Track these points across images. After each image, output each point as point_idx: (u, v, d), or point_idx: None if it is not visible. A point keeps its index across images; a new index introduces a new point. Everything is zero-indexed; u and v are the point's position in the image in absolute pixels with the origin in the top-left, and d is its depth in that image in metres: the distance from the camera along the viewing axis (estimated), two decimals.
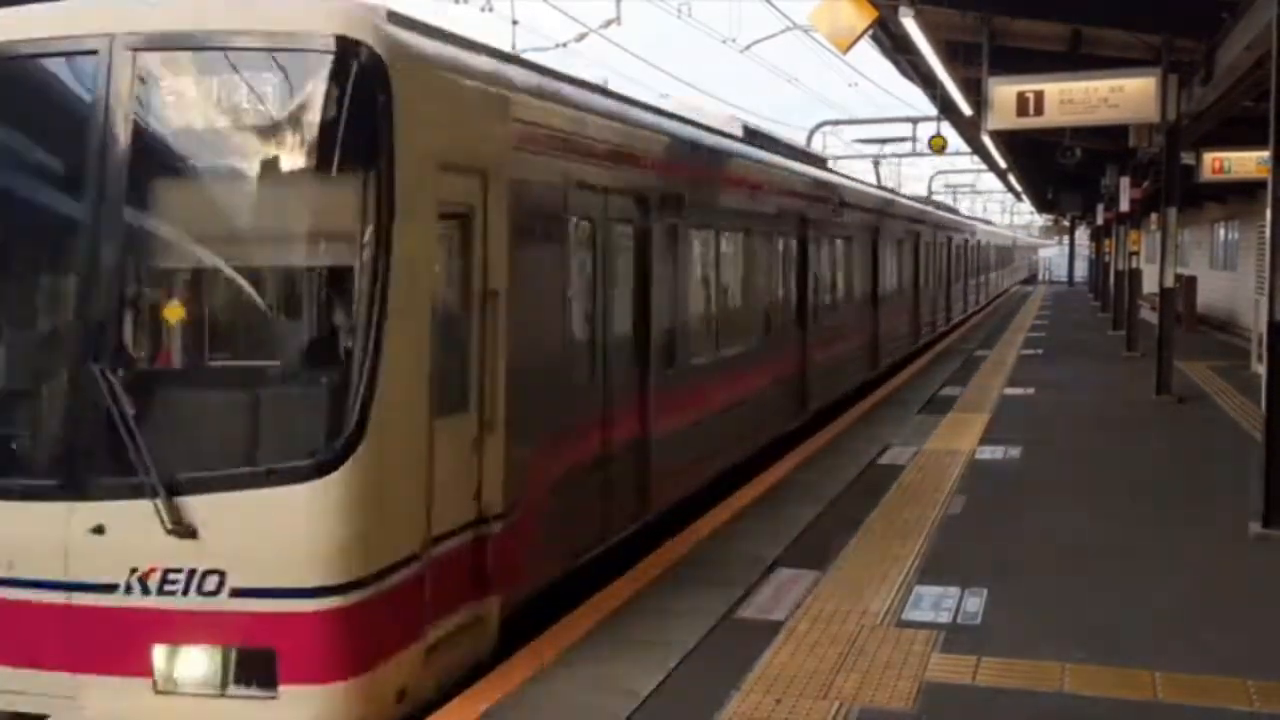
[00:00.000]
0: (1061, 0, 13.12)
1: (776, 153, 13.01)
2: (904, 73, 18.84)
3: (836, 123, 36.06)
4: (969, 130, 21.60)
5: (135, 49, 5.03)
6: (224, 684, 4.75)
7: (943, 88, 16.14)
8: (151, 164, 5.14)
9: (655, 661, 5.75)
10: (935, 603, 6.68)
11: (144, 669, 4.77)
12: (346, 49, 4.97)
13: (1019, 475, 10.48)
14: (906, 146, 34.35)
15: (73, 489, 4.87)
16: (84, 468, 4.89)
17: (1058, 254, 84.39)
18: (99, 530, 4.79)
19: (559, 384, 6.72)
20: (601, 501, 7.37)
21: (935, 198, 44.57)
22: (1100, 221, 36.48)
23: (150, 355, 5.33)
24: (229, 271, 5.16)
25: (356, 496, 4.78)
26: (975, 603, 6.68)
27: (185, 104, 5.16)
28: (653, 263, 8.32)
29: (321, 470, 4.75)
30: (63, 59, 5.22)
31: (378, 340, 4.89)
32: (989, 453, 11.55)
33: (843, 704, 5.24)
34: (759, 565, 7.46)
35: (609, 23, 19.75)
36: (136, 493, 4.76)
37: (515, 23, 17.95)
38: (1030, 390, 16.54)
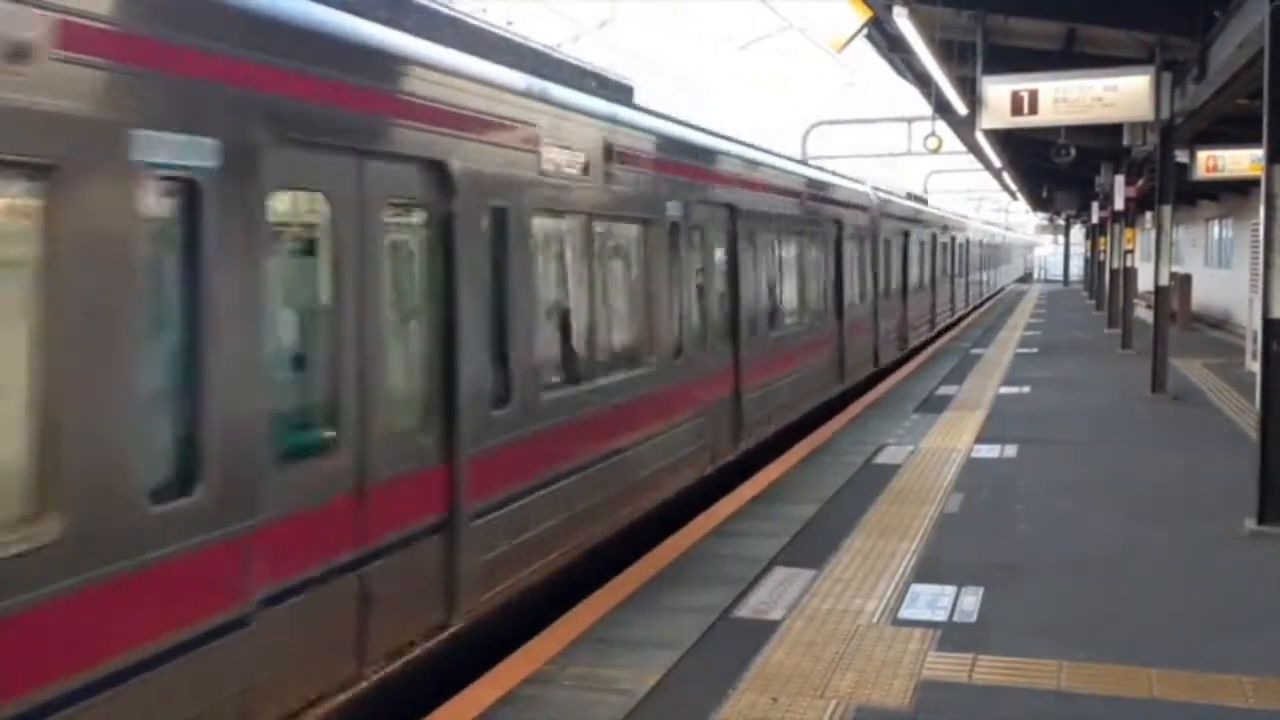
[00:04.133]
0: None
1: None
2: (899, 72, 18.86)
3: (832, 123, 36.03)
4: (964, 129, 21.59)
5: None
6: None
7: (937, 87, 16.14)
8: None
9: (652, 661, 5.76)
10: (931, 601, 6.70)
11: None
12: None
13: (1015, 473, 10.49)
14: (903, 147, 34.28)
15: None
16: None
17: (1053, 252, 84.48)
18: None
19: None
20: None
21: (929, 196, 44.57)
22: (1095, 220, 36.53)
23: None
24: None
25: None
26: (971, 601, 6.69)
27: None
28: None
29: None
30: None
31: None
32: (985, 451, 11.57)
33: (839, 702, 5.25)
34: (755, 564, 7.47)
35: (604, 23, 19.74)
36: None
37: (510, 23, 17.90)
38: (1026, 389, 16.56)
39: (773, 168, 12.87)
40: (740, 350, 10.80)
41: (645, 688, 5.43)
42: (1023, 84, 13.89)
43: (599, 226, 7.83)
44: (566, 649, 5.95)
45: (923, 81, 17.99)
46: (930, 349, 23.80)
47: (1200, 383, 16.87)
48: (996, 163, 28.43)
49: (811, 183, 14.83)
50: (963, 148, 27.20)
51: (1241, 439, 11.40)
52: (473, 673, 5.70)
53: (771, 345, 12.14)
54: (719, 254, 10.57)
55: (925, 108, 20.65)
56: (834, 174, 17.72)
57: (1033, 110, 13.87)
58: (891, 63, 18.11)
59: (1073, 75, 13.93)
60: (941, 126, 22.79)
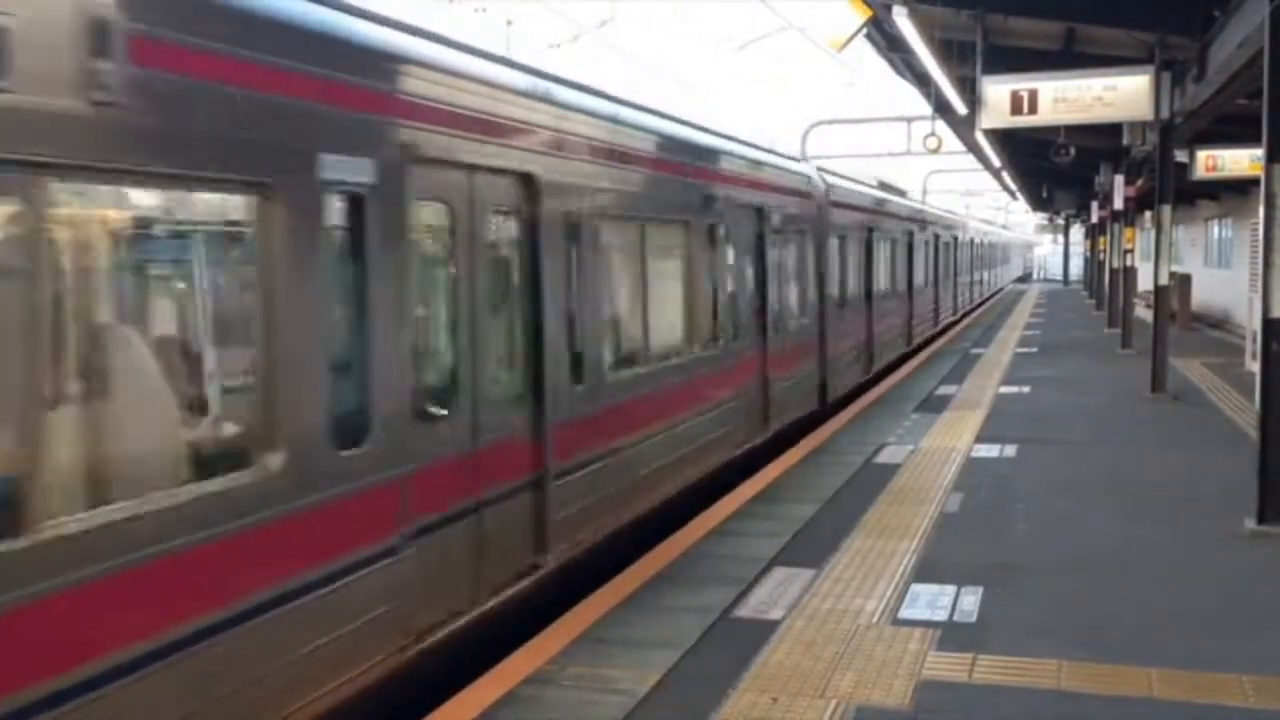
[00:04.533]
0: None
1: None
2: (898, 72, 18.86)
3: (831, 123, 36.01)
4: (963, 129, 21.60)
5: None
6: None
7: (937, 87, 16.15)
8: None
9: (652, 661, 5.76)
10: (931, 601, 6.70)
11: None
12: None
13: (1015, 473, 10.49)
14: (903, 147, 34.17)
15: None
16: None
17: (1052, 252, 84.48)
18: None
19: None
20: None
21: (929, 197, 44.50)
22: (1094, 219, 36.54)
23: None
24: None
25: None
26: (971, 601, 6.69)
27: None
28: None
29: None
30: None
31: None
32: (985, 451, 11.57)
33: (839, 702, 5.25)
34: (755, 564, 7.47)
35: (604, 23, 19.75)
36: None
37: (509, 23, 17.92)
38: (1026, 388, 16.56)
39: (632, 126, 8.45)
40: (548, 410, 6.91)
41: (645, 688, 5.43)
42: (1022, 84, 13.90)
43: (72, 198, 3.92)
44: (566, 649, 5.95)
45: (922, 81, 18.00)
46: (905, 368, 20.50)
47: (1200, 382, 16.86)
48: (996, 162, 28.44)
49: (707, 154, 10.15)
50: (962, 148, 27.20)
51: (1241, 439, 11.40)
52: (473, 672, 5.70)
53: (628, 392, 8.10)
54: (501, 254, 6.72)
55: (925, 108, 20.65)
56: (753, 145, 12.44)
57: (1032, 110, 13.88)
58: (891, 62, 18.11)
59: (1072, 75, 13.94)
60: (941, 126, 22.79)
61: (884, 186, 22.79)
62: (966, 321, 33.63)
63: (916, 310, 23.64)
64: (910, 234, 23.05)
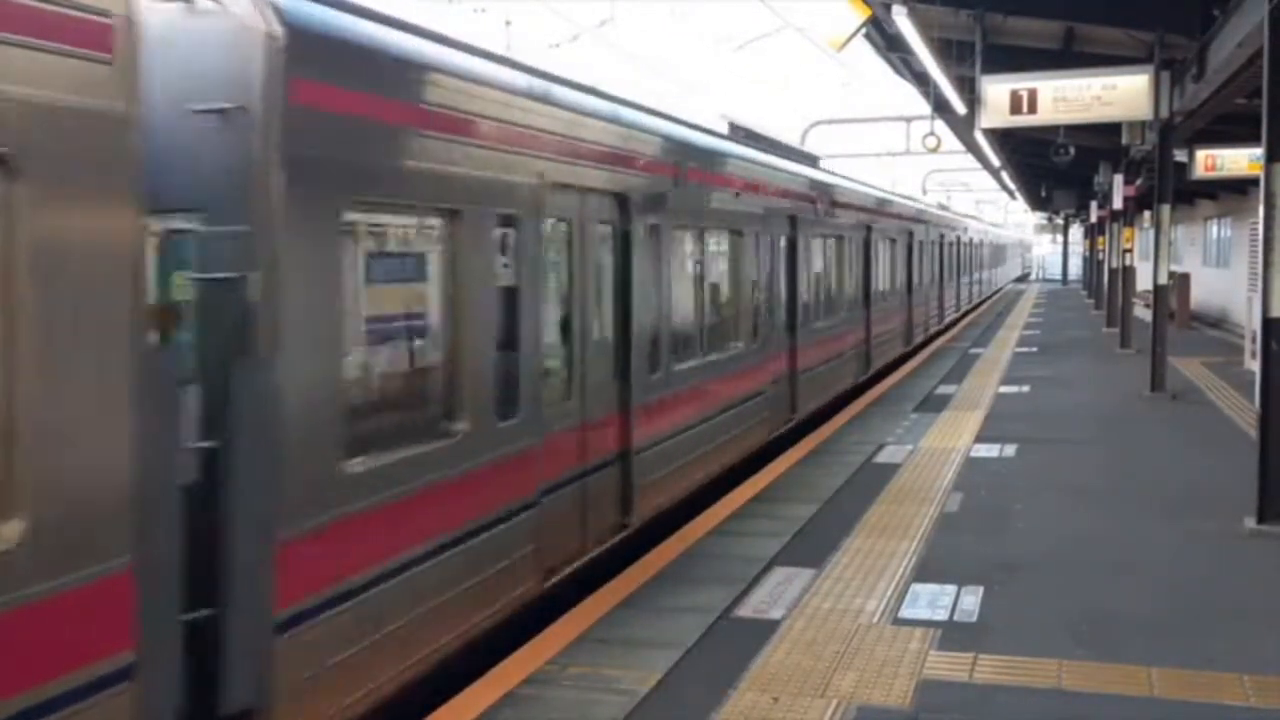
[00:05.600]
0: None
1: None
2: (897, 71, 18.87)
3: (830, 122, 36.03)
4: (962, 129, 21.61)
5: None
6: None
7: (936, 86, 16.16)
8: None
9: (653, 661, 5.76)
10: (932, 600, 6.70)
11: None
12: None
13: (1014, 473, 10.50)
14: (902, 146, 34.11)
15: None
16: None
17: (1052, 251, 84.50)
18: None
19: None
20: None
21: (928, 196, 44.37)
22: (1094, 219, 36.54)
23: None
24: None
25: None
26: (971, 600, 6.70)
27: None
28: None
29: None
30: None
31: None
32: (984, 450, 11.57)
33: (840, 702, 5.25)
34: (756, 564, 7.48)
35: (603, 23, 19.77)
36: None
37: (508, 23, 17.96)
38: (1025, 388, 16.56)
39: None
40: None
41: (646, 687, 5.43)
42: (1022, 83, 13.91)
43: None
44: (566, 649, 5.95)
45: (921, 81, 18.02)
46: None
47: (1199, 381, 16.87)
48: (995, 162, 28.44)
49: None
50: (961, 147, 27.20)
51: (1241, 438, 11.40)
52: (473, 672, 5.70)
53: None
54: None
55: (924, 107, 20.65)
56: None
57: (1032, 109, 13.88)
58: (890, 62, 18.13)
59: (1072, 74, 13.95)
60: (940, 126, 22.80)
61: (753, 137, 13.18)
62: (941, 341, 26.14)
63: (836, 343, 15.53)
64: (802, 223, 13.35)
